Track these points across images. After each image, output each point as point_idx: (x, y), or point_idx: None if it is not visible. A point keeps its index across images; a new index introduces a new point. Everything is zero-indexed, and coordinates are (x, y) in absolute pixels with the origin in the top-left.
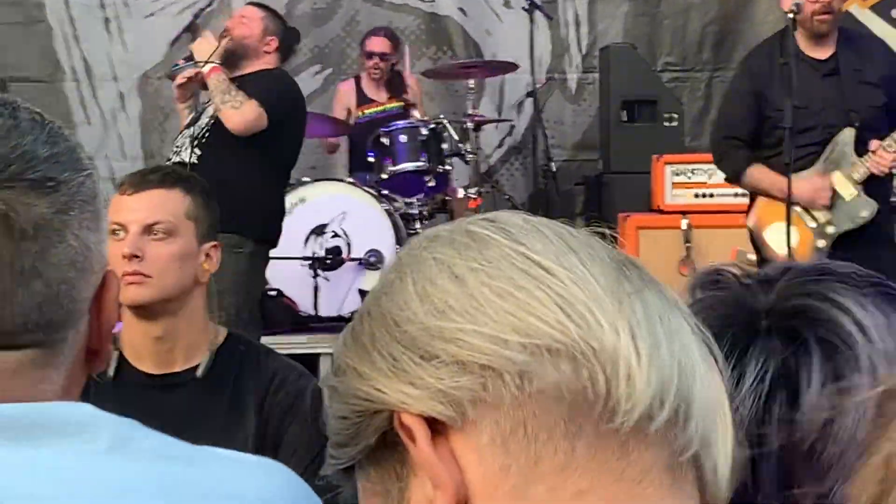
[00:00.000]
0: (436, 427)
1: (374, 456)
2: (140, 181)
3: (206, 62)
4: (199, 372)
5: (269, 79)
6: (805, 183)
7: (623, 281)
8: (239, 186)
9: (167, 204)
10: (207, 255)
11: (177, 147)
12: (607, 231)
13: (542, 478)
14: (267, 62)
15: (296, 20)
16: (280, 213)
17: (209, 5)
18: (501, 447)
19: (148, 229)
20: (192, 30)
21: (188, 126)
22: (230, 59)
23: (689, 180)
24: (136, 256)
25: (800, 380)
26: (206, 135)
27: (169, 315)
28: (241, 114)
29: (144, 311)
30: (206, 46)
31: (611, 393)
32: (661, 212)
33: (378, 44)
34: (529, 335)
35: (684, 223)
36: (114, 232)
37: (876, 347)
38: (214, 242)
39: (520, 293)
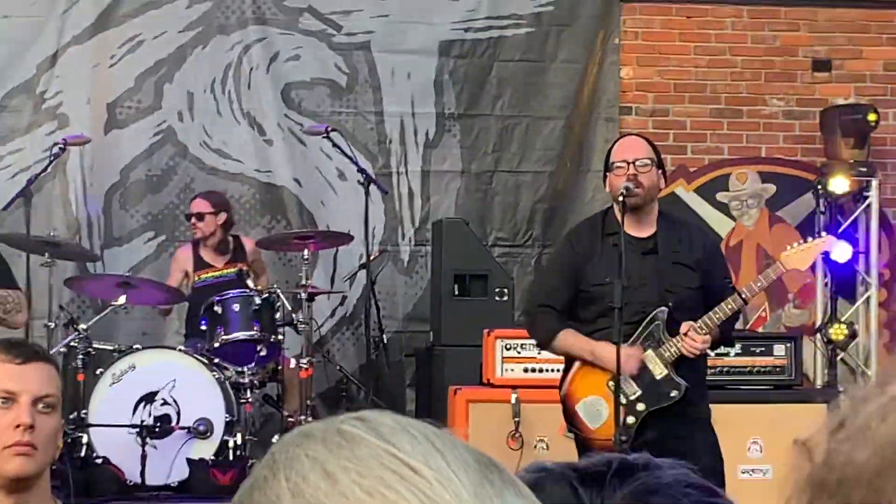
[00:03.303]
0: None
1: None
2: (27, 352)
3: None
4: None
5: None
6: (613, 349)
7: (486, 483)
8: None
9: (54, 378)
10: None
11: None
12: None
13: None
14: None
15: (130, 186)
16: None
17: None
18: None
19: (37, 401)
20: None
21: None
22: None
23: (519, 355)
24: (32, 427)
25: None
26: None
27: (28, 490)
28: (26, 311)
29: (16, 484)
30: None
31: None
32: (492, 385)
33: (197, 205)
34: None
35: (514, 397)
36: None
37: None
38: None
39: (389, 492)
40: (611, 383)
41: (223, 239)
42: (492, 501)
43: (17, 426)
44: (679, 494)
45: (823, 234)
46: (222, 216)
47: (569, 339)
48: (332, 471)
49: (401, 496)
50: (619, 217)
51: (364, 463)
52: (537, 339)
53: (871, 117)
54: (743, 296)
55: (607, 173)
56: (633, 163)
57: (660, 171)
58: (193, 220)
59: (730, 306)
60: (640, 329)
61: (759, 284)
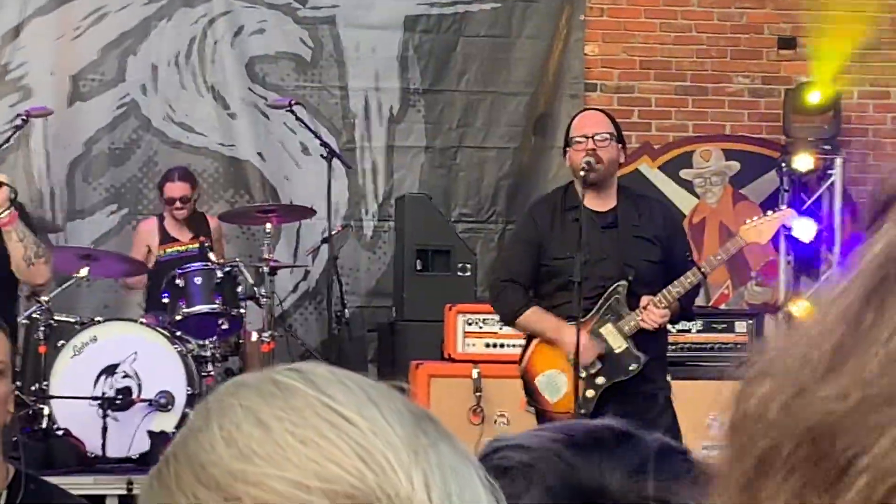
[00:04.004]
0: None
1: None
2: None
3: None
4: None
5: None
6: (575, 337)
7: (419, 433)
8: None
9: (3, 344)
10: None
11: None
12: (405, 386)
13: None
14: None
15: (93, 159)
16: None
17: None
18: None
19: None
20: None
21: None
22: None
23: (481, 330)
24: None
25: None
26: None
27: None
28: (51, 266)
29: None
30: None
31: None
32: (453, 360)
33: (177, 189)
34: (330, 481)
35: (475, 372)
36: None
37: None
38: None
39: (322, 441)
40: (570, 357)
41: (194, 212)
42: (425, 452)
43: None
44: (670, 461)
45: (783, 206)
46: (192, 202)
47: (534, 317)
48: (265, 420)
49: (334, 445)
50: (579, 191)
51: (298, 412)
52: (502, 315)
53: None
54: (703, 270)
55: (567, 148)
56: (593, 137)
57: (620, 146)
58: (178, 203)
59: (689, 280)
60: (600, 303)
61: (718, 258)
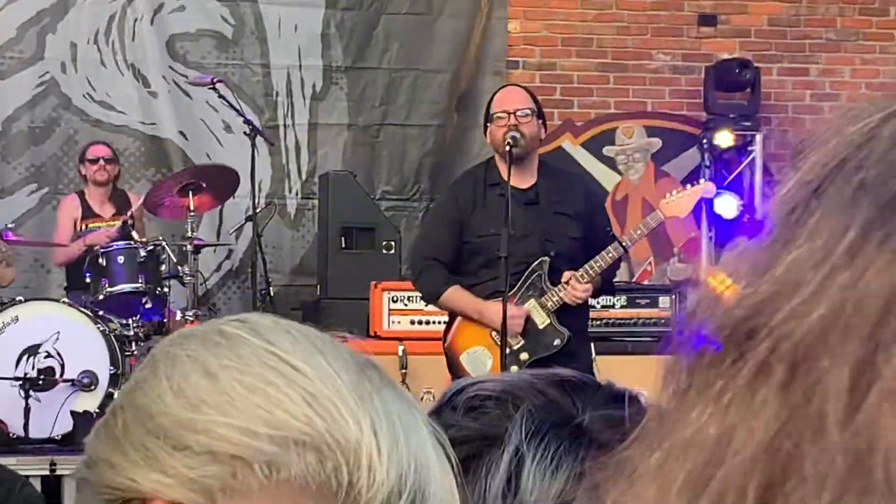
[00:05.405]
0: None
1: None
2: None
3: None
4: None
5: None
6: (499, 308)
7: (364, 380)
8: None
9: None
10: None
11: None
12: (348, 335)
13: None
14: None
15: (12, 138)
16: None
17: None
18: None
19: None
20: None
21: None
22: None
23: (406, 307)
24: None
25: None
26: None
27: None
28: (13, 267)
29: None
30: None
31: (353, 483)
32: (379, 337)
33: (100, 150)
34: (278, 428)
35: (400, 349)
36: None
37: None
38: None
39: (270, 388)
40: (494, 333)
41: (112, 193)
42: (370, 398)
43: None
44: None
45: (702, 180)
46: (116, 167)
47: (455, 296)
48: (212, 370)
49: (282, 392)
50: (502, 168)
51: (244, 361)
52: (424, 294)
53: (754, 72)
54: (623, 244)
55: (488, 124)
56: (514, 113)
57: (540, 121)
58: (101, 162)
59: (611, 255)
60: (523, 279)
61: (638, 232)
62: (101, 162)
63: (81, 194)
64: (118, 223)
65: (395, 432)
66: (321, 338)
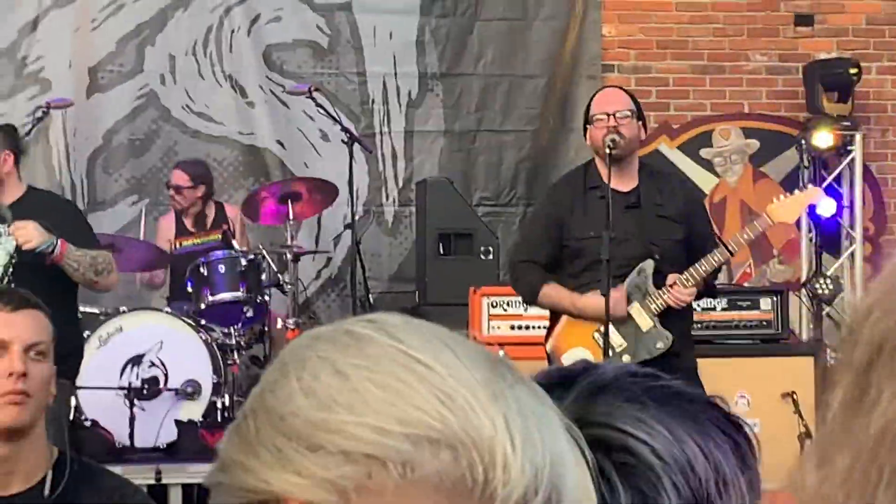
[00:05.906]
0: None
1: None
2: (17, 300)
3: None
4: (47, 492)
5: (76, 215)
6: (600, 298)
7: (497, 377)
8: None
9: (45, 325)
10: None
11: None
12: (477, 337)
13: None
14: (11, 179)
15: (113, 150)
16: (81, 348)
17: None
18: None
19: (29, 349)
20: None
21: None
22: None
23: (506, 312)
24: (25, 375)
25: None
26: (8, 278)
27: (23, 438)
28: (115, 273)
29: (11, 433)
30: (34, 232)
31: (488, 480)
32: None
33: (175, 177)
34: (412, 426)
35: (501, 354)
36: None
37: (670, 466)
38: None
39: (402, 387)
40: (597, 335)
41: (202, 211)
42: (504, 394)
43: (10, 374)
44: (625, 385)
45: (809, 185)
46: (201, 189)
47: (551, 292)
48: (342, 369)
49: (414, 390)
50: (602, 170)
51: (374, 360)
52: (522, 295)
53: (854, 71)
54: (730, 248)
55: (587, 126)
56: (614, 115)
57: (640, 123)
58: (172, 191)
59: (716, 258)
60: (627, 282)
61: (745, 236)
62: (172, 192)
63: (178, 212)
64: (215, 236)
65: (529, 429)
66: (452, 336)
